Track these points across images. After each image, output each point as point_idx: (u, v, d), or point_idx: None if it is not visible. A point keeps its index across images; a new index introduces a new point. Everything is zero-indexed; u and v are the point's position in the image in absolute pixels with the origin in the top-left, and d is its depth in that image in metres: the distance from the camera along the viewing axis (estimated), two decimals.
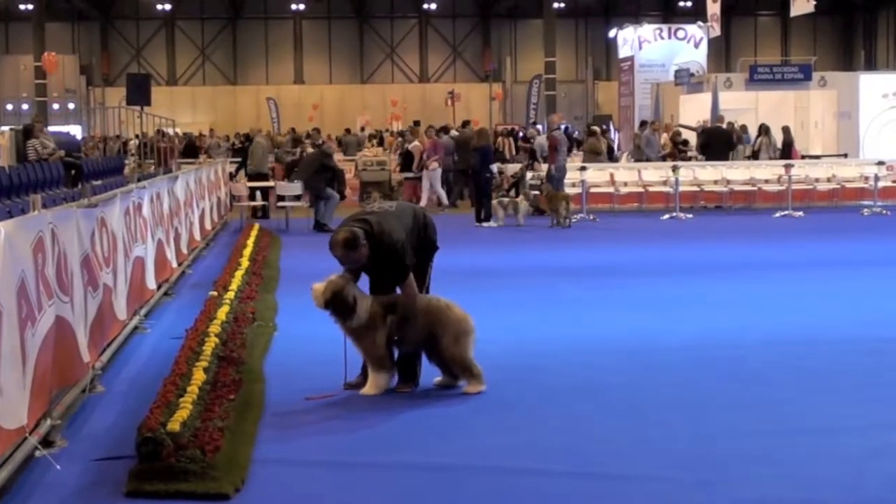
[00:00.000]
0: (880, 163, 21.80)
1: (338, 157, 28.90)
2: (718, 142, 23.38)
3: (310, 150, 24.30)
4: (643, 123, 27.37)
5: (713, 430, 5.77)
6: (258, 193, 20.89)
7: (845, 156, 26.79)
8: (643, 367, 7.40)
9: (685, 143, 25.83)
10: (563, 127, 22.03)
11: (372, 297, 6.71)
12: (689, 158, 24.39)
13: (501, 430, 5.87)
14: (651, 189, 21.78)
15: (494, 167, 20.52)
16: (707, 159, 23.12)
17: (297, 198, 19.35)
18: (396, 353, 6.80)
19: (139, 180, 10.85)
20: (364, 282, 6.84)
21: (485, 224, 18.92)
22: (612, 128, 36.24)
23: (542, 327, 8.92)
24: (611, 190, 21.76)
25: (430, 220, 6.98)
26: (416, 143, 23.93)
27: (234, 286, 10.25)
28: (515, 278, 11.99)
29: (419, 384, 6.88)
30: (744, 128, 25.25)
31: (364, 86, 55.65)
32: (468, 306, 6.86)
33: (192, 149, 28.02)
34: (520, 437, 5.73)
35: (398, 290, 6.75)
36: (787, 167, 21.11)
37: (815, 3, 28.44)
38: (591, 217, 19.69)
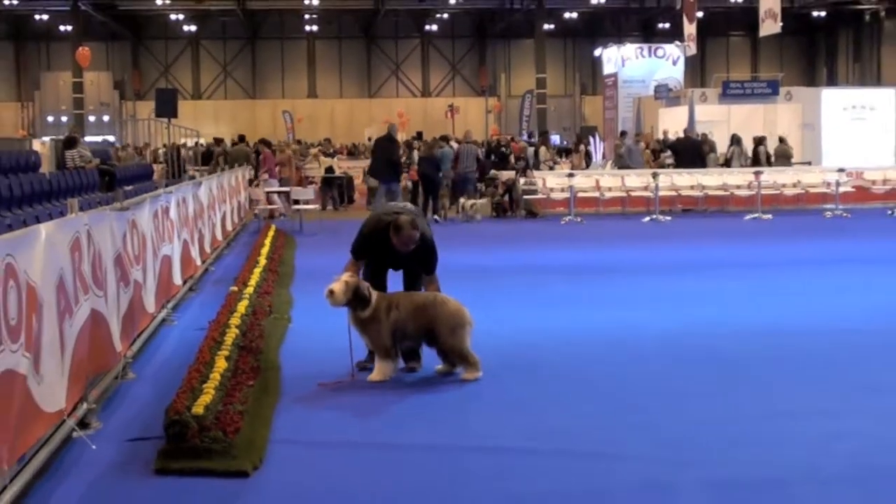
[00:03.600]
0: (841, 170, 21.86)
1: (346, 165, 28.93)
2: (688, 151, 23.36)
3: (322, 158, 24.34)
4: (623, 133, 27.36)
5: (691, 414, 5.76)
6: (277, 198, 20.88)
7: (809, 163, 26.76)
8: (627, 356, 7.39)
9: (662, 150, 25.82)
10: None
11: (377, 293, 6.72)
12: (667, 165, 24.38)
13: (498, 414, 5.86)
14: (633, 194, 21.77)
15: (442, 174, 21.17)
16: (679, 167, 23.10)
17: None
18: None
19: (167, 186, 10.83)
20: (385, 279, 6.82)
21: (435, 216, 19.97)
22: (597, 138, 36.18)
23: (535, 321, 8.91)
24: (596, 195, 21.75)
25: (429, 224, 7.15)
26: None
27: (252, 282, 10.25)
28: (508, 276, 11.97)
29: (422, 366, 6.89)
30: (705, 136, 25.21)
31: (371, 100, 55.63)
32: (465, 302, 6.85)
33: (210, 157, 28.04)
34: (515, 419, 5.72)
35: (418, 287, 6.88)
36: (757, 174, 21.12)
37: (781, 24, 28.41)
38: (579, 219, 19.70)
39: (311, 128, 50.45)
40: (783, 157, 25.04)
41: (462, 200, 20.61)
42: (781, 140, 25.81)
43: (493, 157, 24.10)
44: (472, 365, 6.63)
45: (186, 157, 28.48)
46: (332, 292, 6.56)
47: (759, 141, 25.07)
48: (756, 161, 24.46)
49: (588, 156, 28.33)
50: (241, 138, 24.88)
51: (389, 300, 6.69)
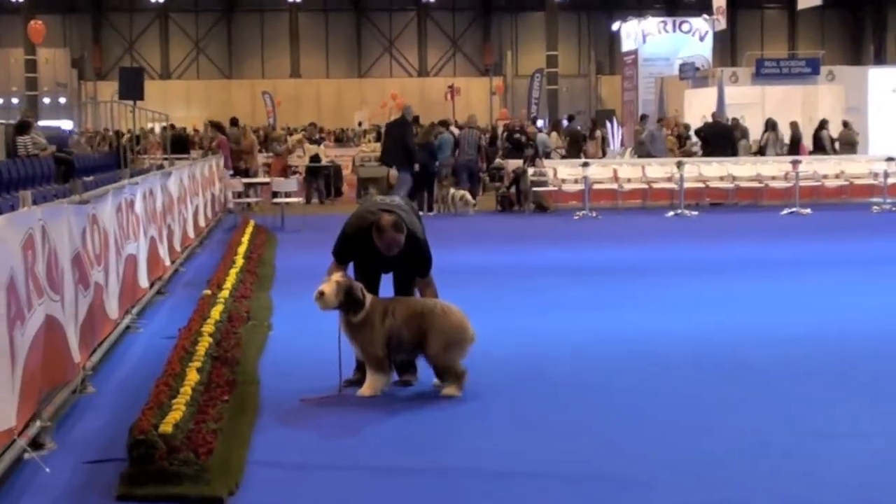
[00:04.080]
0: (890, 159, 21.73)
1: (334, 153, 28.95)
2: (718, 138, 23.36)
3: (308, 144, 24.35)
4: (643, 117, 27.37)
5: (717, 433, 5.75)
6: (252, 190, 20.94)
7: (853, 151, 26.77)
8: (649, 369, 7.38)
9: (688, 136, 25.82)
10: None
11: (372, 296, 6.72)
12: (693, 154, 24.37)
13: (502, 433, 5.86)
14: (655, 186, 21.78)
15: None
16: (708, 155, 23.10)
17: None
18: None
19: (132, 176, 10.84)
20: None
21: (430, 213, 19.98)
22: (615, 123, 36.18)
23: (544, 328, 8.91)
24: (614, 187, 21.76)
25: (420, 216, 7.15)
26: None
27: (228, 285, 10.24)
28: (514, 278, 11.97)
29: (418, 379, 6.90)
30: (736, 121, 25.21)
31: (362, 80, 55.67)
32: (465, 308, 6.86)
33: (181, 144, 27.98)
34: (521, 440, 5.72)
35: (411, 292, 6.87)
36: (795, 163, 21.11)
37: None
38: (594, 214, 19.71)
39: (294, 111, 50.47)
40: (847, 144, 24.94)
41: (452, 191, 20.72)
42: (846, 125, 25.65)
43: (506, 145, 24.03)
44: (458, 382, 6.62)
45: (146, 144, 28.47)
46: (322, 294, 6.56)
47: (821, 125, 24.98)
48: (819, 148, 24.42)
49: (604, 143, 28.37)
50: (235, 122, 24.89)
51: (385, 305, 6.69)
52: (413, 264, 6.87)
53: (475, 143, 22.77)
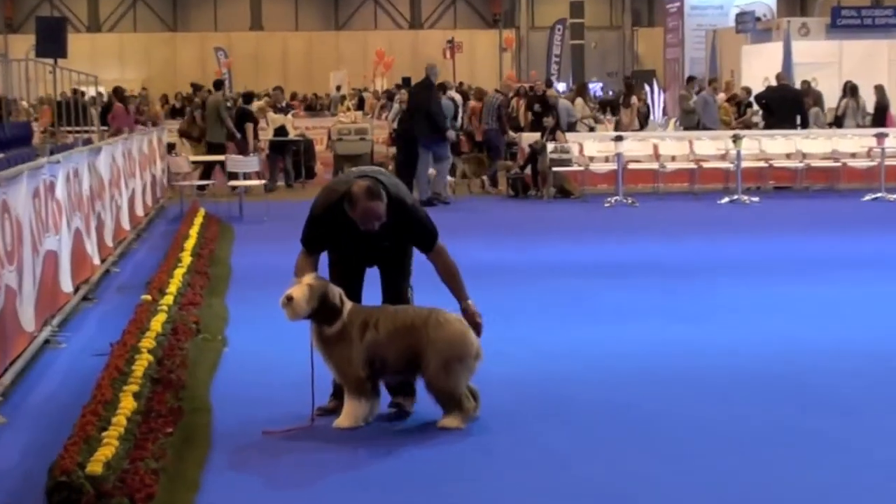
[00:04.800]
0: None
1: (305, 124, 28.95)
2: (784, 105, 23.32)
3: (272, 114, 24.34)
4: (690, 79, 27.38)
5: (773, 470, 5.76)
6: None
7: None
8: (694, 390, 7.39)
9: (748, 103, 25.83)
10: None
11: (352, 303, 6.71)
12: (752, 125, 24.37)
13: (514, 471, 5.86)
14: (706, 165, 21.78)
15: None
16: (770, 127, 23.09)
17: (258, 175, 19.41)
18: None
19: (52, 153, 10.84)
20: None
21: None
22: (655, 87, 36.22)
23: (566, 341, 8.92)
24: (654, 166, 21.76)
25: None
26: None
27: (172, 289, 10.24)
28: (530, 280, 11.98)
29: (416, 400, 6.90)
30: (807, 85, 25.14)
31: (339, 33, 55.65)
32: None
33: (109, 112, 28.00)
34: (541, 480, 5.72)
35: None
36: (880, 137, 21.10)
37: None
38: (629, 201, 19.71)
39: (254, 72, 50.47)
40: None
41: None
42: None
43: (534, 108, 23.98)
44: (460, 412, 6.61)
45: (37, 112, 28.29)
46: (290, 299, 6.55)
47: (882, 91, 25.03)
48: (879, 119, 24.45)
49: (645, 117, 28.27)
50: (218, 85, 24.91)
51: (366, 315, 6.67)
52: (410, 239, 6.84)
53: (495, 109, 22.84)
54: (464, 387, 6.64)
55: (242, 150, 21.62)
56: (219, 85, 24.98)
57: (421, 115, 19.96)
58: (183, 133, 24.35)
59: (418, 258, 7.03)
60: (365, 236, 6.70)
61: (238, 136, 22.22)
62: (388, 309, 6.79)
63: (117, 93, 24.77)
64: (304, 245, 6.86)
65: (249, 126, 22.79)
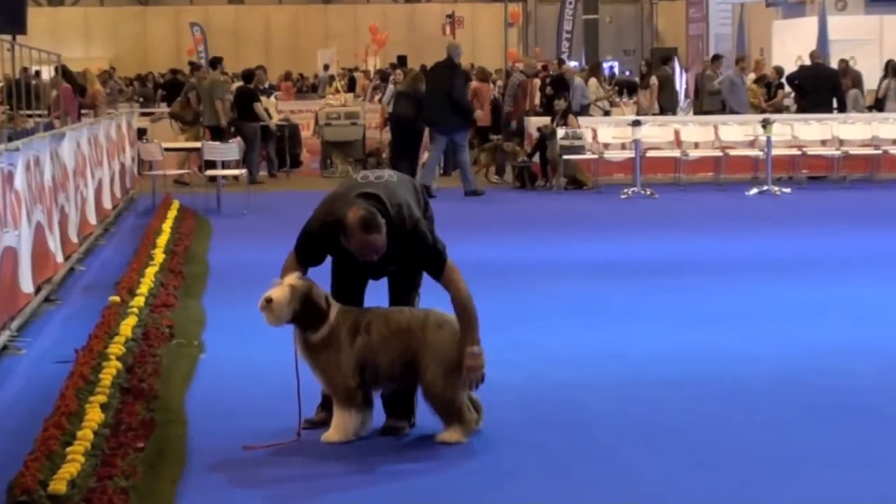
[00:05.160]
0: None
1: (289, 108, 28.93)
2: (819, 87, 23.29)
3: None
4: (716, 58, 27.36)
5: (815, 493, 5.77)
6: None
7: None
8: (716, 402, 7.40)
9: (779, 84, 25.82)
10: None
11: (339, 306, 6.71)
12: (784, 108, 24.34)
13: (521, 491, 5.86)
14: (732, 153, 21.78)
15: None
16: (804, 111, 23.06)
17: (237, 164, 19.43)
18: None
19: (10, 139, 10.85)
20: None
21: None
22: (677, 66, 36.18)
23: (577, 347, 8.93)
24: (676, 154, 21.75)
25: (428, 201, 7.03)
26: None
27: (143, 289, 10.25)
28: (538, 279, 12.01)
29: (415, 423, 6.89)
30: (844, 64, 25.10)
31: (328, 7, 55.64)
32: None
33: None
34: (546, 498, 5.73)
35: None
36: None
37: None
38: (648, 192, 19.72)
39: (233, 50, 50.40)
40: None
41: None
42: None
43: (546, 89, 24.03)
44: (461, 424, 6.62)
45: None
46: (269, 301, 6.56)
47: None
48: None
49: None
50: (215, 63, 24.88)
51: (356, 318, 6.67)
52: (417, 264, 6.76)
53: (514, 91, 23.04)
54: (464, 396, 6.65)
55: (251, 136, 21.86)
56: (215, 63, 24.99)
57: (441, 98, 20.09)
58: (175, 116, 24.28)
59: None
60: (367, 262, 6.68)
61: (224, 122, 22.30)
62: (380, 311, 6.79)
63: (66, 74, 24.62)
64: (297, 255, 6.81)
65: (259, 105, 22.81)
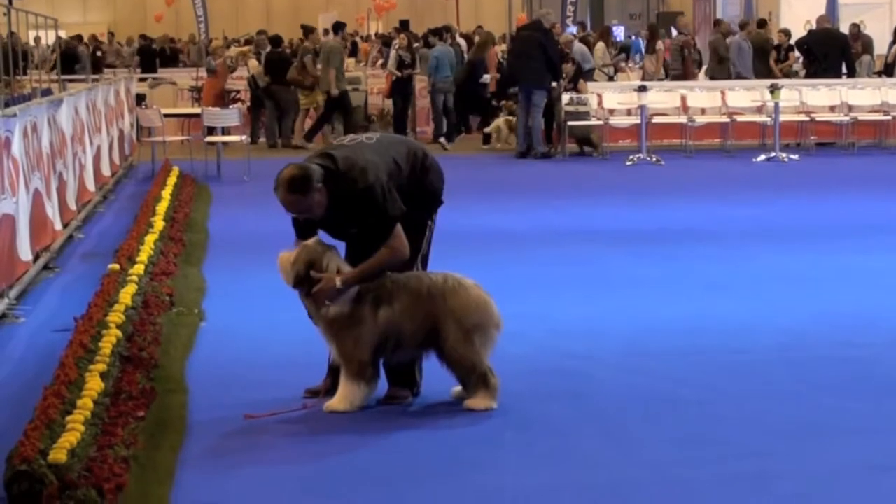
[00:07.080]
0: None
1: None
2: (828, 52, 23.18)
3: (255, 61, 24.27)
4: (717, 23, 27.24)
5: (828, 465, 5.76)
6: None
7: None
8: (726, 373, 7.40)
9: (788, 49, 25.72)
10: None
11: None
12: (794, 74, 24.26)
13: (529, 463, 5.87)
14: (740, 119, 21.72)
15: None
16: (813, 77, 22.98)
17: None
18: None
19: (7, 105, 10.82)
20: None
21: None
22: (674, 32, 36.02)
23: (584, 317, 8.93)
24: (682, 120, 21.70)
25: (434, 162, 6.97)
26: None
27: (143, 257, 10.24)
28: (542, 247, 11.99)
29: (419, 392, 6.88)
30: (856, 29, 24.99)
31: None
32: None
33: (72, 59, 27.84)
34: (555, 472, 5.74)
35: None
36: None
37: None
38: (654, 158, 19.68)
39: (233, 15, 50.33)
40: None
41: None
42: None
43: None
44: (487, 389, 6.62)
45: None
46: (280, 261, 6.60)
47: None
48: None
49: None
50: (338, 28, 24.85)
51: (379, 289, 6.62)
52: (370, 228, 6.62)
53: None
54: (487, 359, 6.64)
55: (287, 102, 22.32)
56: (338, 28, 24.99)
57: (530, 58, 20.54)
58: (293, 82, 24.04)
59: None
60: (329, 221, 6.65)
61: (335, 91, 22.32)
62: (398, 278, 6.67)
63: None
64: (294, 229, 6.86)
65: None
